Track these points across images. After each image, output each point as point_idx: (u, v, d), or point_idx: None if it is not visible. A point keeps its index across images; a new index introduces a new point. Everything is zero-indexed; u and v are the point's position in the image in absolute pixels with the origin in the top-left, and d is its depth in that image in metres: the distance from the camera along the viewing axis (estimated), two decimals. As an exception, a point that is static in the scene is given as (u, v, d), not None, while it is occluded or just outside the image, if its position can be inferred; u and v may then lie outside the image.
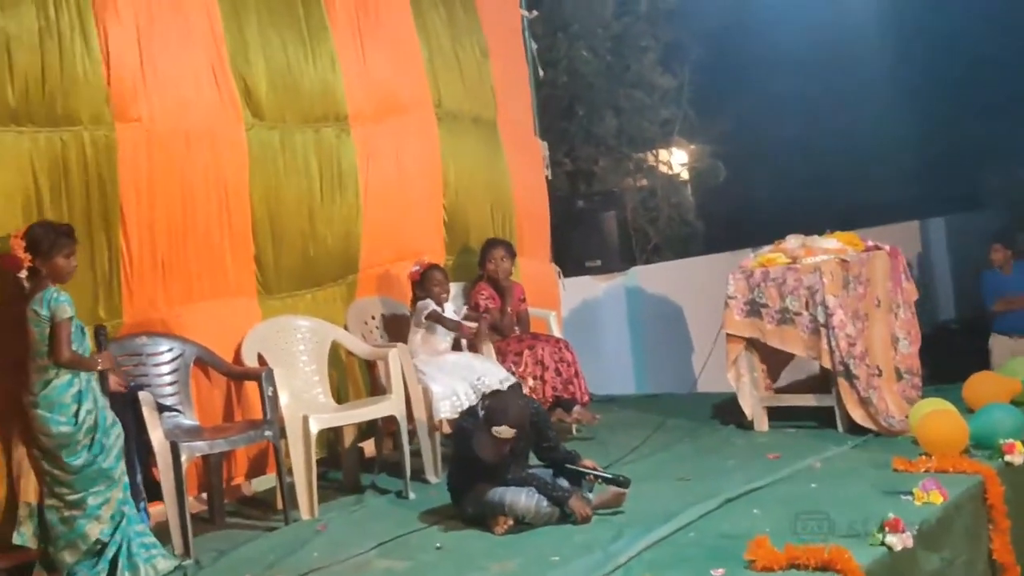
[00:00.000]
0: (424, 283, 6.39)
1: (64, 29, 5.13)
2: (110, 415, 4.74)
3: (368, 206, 6.58)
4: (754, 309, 6.43)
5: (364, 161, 6.58)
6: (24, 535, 4.74)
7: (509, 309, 6.85)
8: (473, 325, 6.39)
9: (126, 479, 4.76)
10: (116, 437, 4.73)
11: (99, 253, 5.25)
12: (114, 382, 4.94)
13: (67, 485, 4.62)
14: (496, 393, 5.38)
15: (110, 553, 4.64)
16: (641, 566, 4.29)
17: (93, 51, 5.24)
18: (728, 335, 6.54)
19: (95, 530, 4.62)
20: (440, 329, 6.36)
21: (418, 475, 5.92)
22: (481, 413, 5.03)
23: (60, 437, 4.56)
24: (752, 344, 6.49)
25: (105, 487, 4.65)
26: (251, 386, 5.73)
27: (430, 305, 6.31)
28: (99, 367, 4.73)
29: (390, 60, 6.90)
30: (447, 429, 6.38)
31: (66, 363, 4.57)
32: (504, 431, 4.90)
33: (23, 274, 4.66)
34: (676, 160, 9.64)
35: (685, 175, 9.64)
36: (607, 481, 5.15)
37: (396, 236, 6.76)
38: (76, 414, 4.59)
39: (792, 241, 6.69)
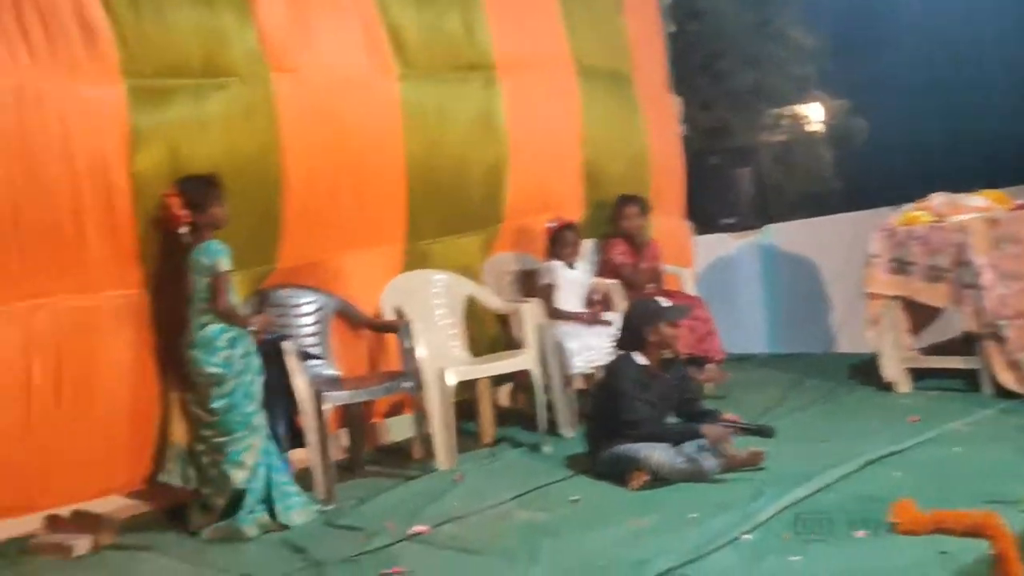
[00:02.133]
0: (555, 242, 6.41)
1: None
2: (257, 363, 4.90)
3: (515, 156, 6.60)
4: (900, 267, 6.27)
5: (510, 111, 6.59)
6: (171, 473, 4.97)
7: (643, 266, 6.81)
8: (582, 315, 6.33)
9: (266, 428, 4.91)
10: (259, 386, 4.90)
11: (258, 201, 5.36)
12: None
13: (211, 427, 4.81)
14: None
15: (250, 503, 4.79)
16: (780, 526, 4.26)
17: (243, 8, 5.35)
18: (870, 294, 6.39)
19: (238, 476, 4.78)
20: (569, 288, 6.37)
21: (553, 429, 5.96)
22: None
23: (211, 377, 4.74)
24: (895, 303, 6.33)
25: (246, 432, 4.81)
26: (390, 338, 5.84)
27: (552, 272, 6.31)
28: (250, 327, 4.90)
29: (530, 15, 6.89)
30: (581, 384, 6.41)
31: (223, 313, 4.75)
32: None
33: (184, 229, 4.82)
34: (814, 116, 9.41)
35: (823, 131, 9.41)
36: (750, 432, 5.10)
37: (540, 188, 6.77)
38: (228, 357, 4.76)
39: (937, 199, 6.49)
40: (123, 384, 4.92)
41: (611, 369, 5.31)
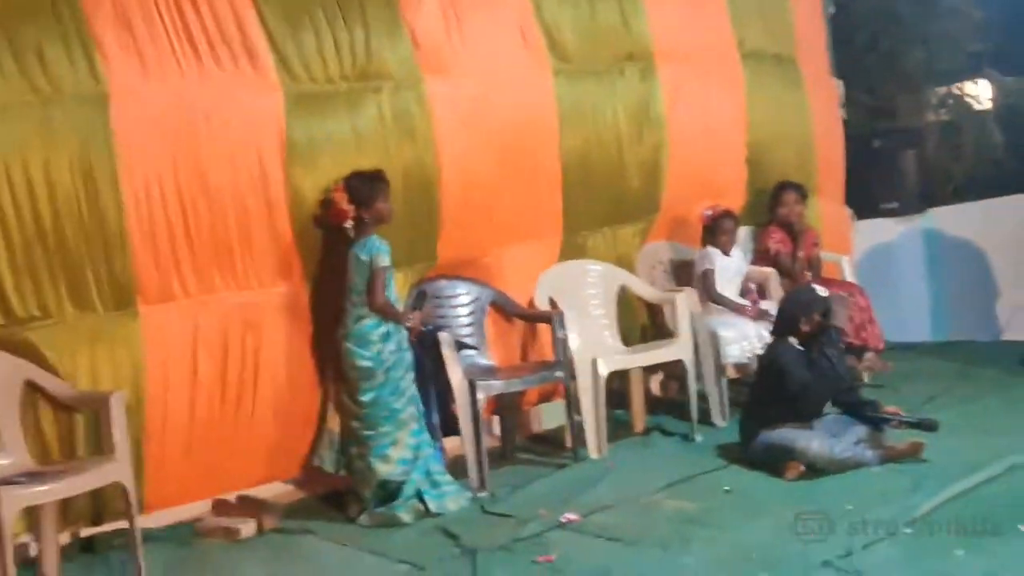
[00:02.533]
0: (713, 230, 6.33)
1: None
2: (409, 359, 5.00)
3: (674, 145, 6.55)
4: (1074, 251, 5.99)
5: (671, 99, 6.55)
6: (323, 459, 5.13)
7: (801, 254, 6.66)
8: (747, 308, 6.24)
9: (416, 424, 4.98)
10: (409, 382, 4.98)
11: (418, 200, 5.44)
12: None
13: (359, 419, 4.92)
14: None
15: (406, 493, 4.89)
16: (942, 518, 4.13)
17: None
18: (1041, 280, 6.13)
19: (383, 470, 4.88)
20: (724, 276, 6.29)
21: (704, 419, 5.91)
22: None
23: (363, 371, 4.87)
24: (1068, 290, 6.06)
25: (392, 427, 4.90)
26: (543, 328, 5.88)
27: (709, 258, 6.24)
28: (407, 323, 5.00)
29: (693, 1, 6.83)
30: (734, 373, 6.33)
31: (379, 309, 4.86)
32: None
33: (348, 224, 4.94)
34: (983, 94, 9.03)
35: (993, 110, 9.01)
36: (911, 426, 4.97)
37: (701, 176, 6.68)
38: (380, 352, 4.88)
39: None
40: (283, 375, 5.09)
41: (770, 352, 5.26)
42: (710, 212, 6.37)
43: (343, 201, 4.91)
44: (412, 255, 5.43)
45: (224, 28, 4.86)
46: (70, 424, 4.53)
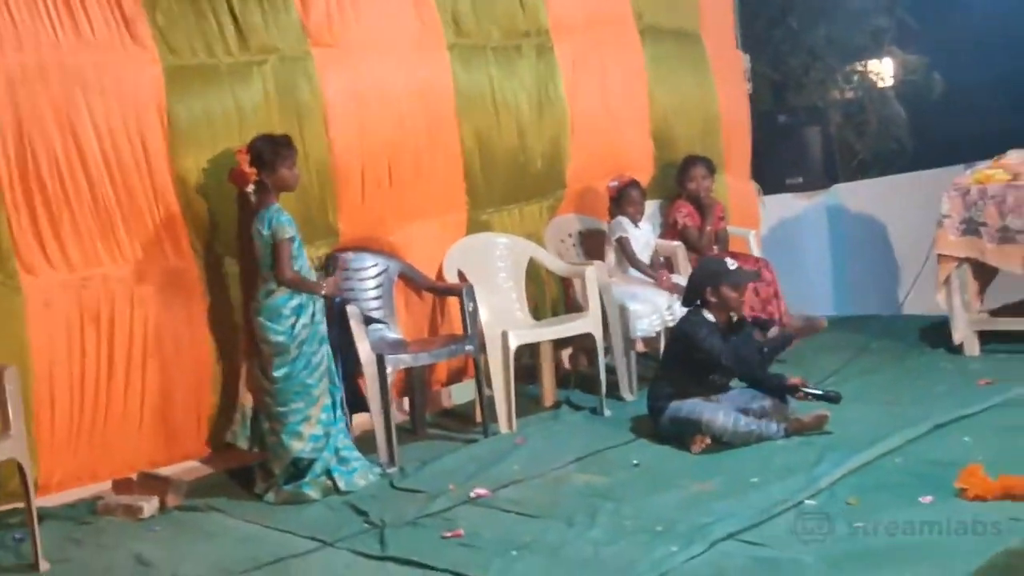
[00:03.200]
0: (620, 200, 6.34)
1: None
2: (322, 332, 4.91)
3: (576, 120, 6.55)
4: (971, 228, 6.13)
5: (569, 75, 6.53)
6: (236, 435, 5.05)
7: (708, 228, 6.72)
8: (663, 275, 6.27)
9: (328, 399, 4.91)
10: (321, 356, 4.89)
11: (309, 175, 5.34)
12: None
13: (271, 395, 4.83)
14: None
15: (315, 471, 4.82)
16: (845, 490, 4.21)
17: None
18: (940, 255, 6.26)
19: (295, 446, 4.80)
20: (638, 247, 6.31)
21: (613, 392, 5.94)
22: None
23: (276, 346, 4.77)
24: (966, 265, 6.19)
25: (305, 404, 4.82)
26: (452, 301, 5.84)
27: (621, 226, 6.26)
28: (322, 292, 4.91)
29: (588, -27, 6.82)
30: (642, 348, 6.37)
31: (288, 283, 4.75)
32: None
33: (250, 188, 4.82)
34: (887, 72, 9.18)
35: (897, 88, 9.17)
36: (816, 398, 5.04)
37: (605, 152, 6.71)
38: (293, 326, 4.78)
39: (1014, 156, 6.32)
40: (174, 351, 4.99)
41: (683, 323, 5.29)
42: (615, 182, 6.38)
43: (245, 163, 4.77)
44: (312, 232, 5.33)
45: None
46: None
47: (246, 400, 5.08)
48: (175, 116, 4.92)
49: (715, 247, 6.75)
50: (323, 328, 4.92)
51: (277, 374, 4.79)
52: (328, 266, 5.26)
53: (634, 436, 5.27)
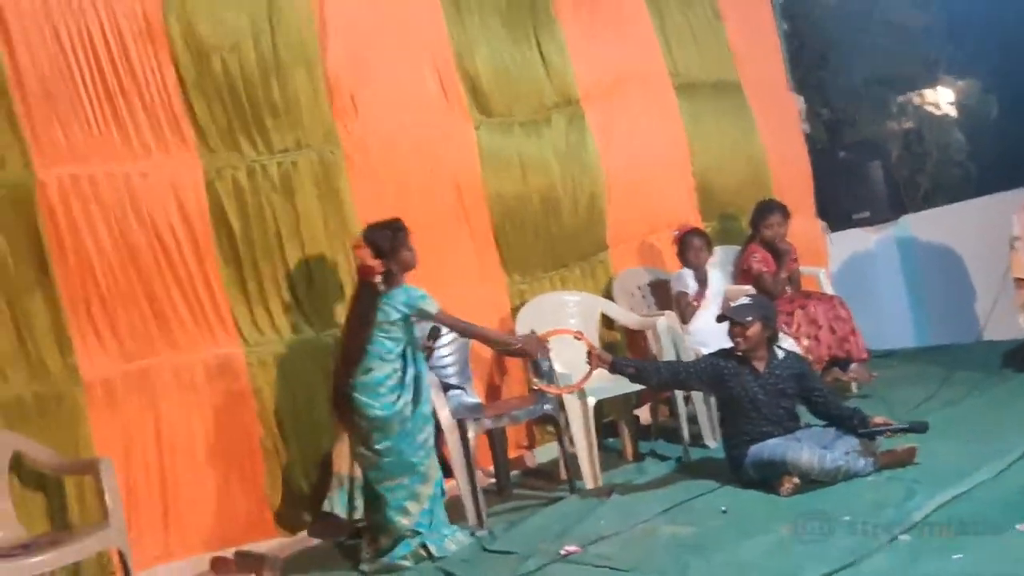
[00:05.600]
0: (681, 249, 6.38)
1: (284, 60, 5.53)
2: (427, 410, 4.92)
3: (612, 183, 6.63)
4: (1045, 248, 6.06)
5: (602, 140, 6.63)
6: (333, 501, 5.05)
7: (783, 275, 6.65)
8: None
9: (439, 476, 4.92)
10: (427, 434, 4.90)
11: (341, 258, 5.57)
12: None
13: (375, 468, 4.86)
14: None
15: (411, 543, 4.84)
16: (938, 523, 4.15)
17: (316, 79, 5.59)
18: (1017, 279, 6.18)
19: (403, 522, 4.82)
20: (707, 296, 6.32)
21: (696, 440, 5.92)
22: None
23: (374, 421, 4.80)
24: (1044, 286, 6.13)
25: (409, 479, 4.83)
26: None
27: (682, 280, 6.29)
28: (516, 346, 5.05)
29: (619, 36, 6.95)
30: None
31: (493, 342, 5.10)
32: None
33: (378, 278, 4.87)
34: (942, 99, 9.15)
35: (953, 114, 9.13)
36: (902, 431, 4.97)
37: (644, 209, 6.78)
38: (394, 402, 4.80)
39: (1080, 172, 6.26)
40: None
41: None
42: (677, 231, 6.42)
43: (368, 257, 4.84)
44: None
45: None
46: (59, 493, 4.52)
47: (342, 469, 5.11)
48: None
49: (788, 290, 6.72)
50: (427, 409, 4.93)
51: (380, 447, 4.81)
52: (431, 335, 5.29)
53: (720, 483, 5.23)
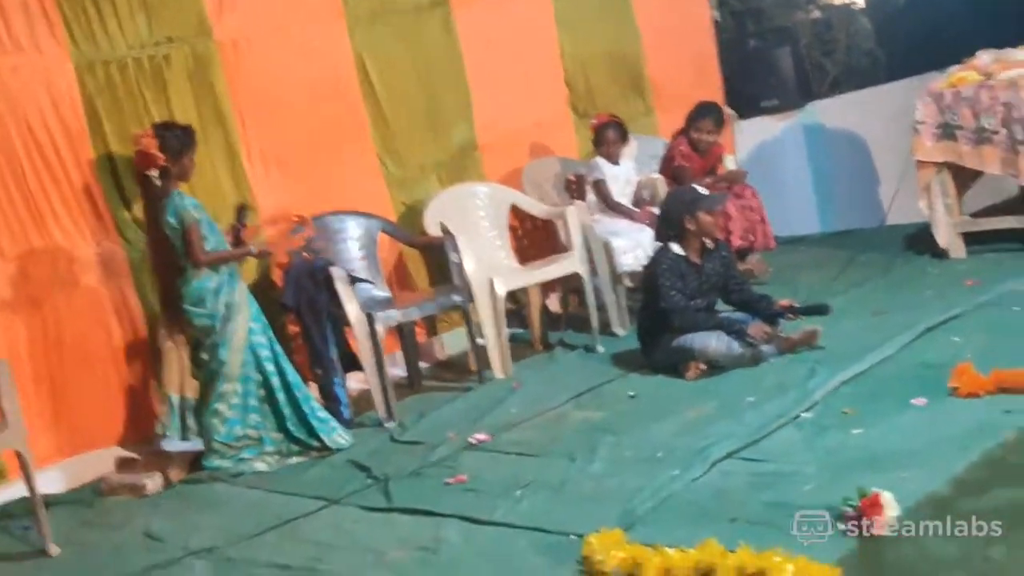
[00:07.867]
0: (597, 140, 6.34)
1: None
2: (244, 308, 4.81)
3: (474, 86, 6.50)
4: (947, 132, 6.12)
5: (468, 42, 6.49)
6: (165, 425, 4.92)
7: (710, 178, 6.58)
8: (638, 212, 6.26)
9: (244, 371, 4.80)
10: (242, 331, 4.79)
11: (217, 153, 5.39)
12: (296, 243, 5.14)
13: (197, 378, 4.85)
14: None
15: (258, 449, 4.82)
16: (839, 401, 4.24)
17: None
18: (918, 162, 6.26)
19: (217, 427, 4.78)
20: (618, 186, 6.30)
21: (605, 329, 5.95)
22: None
23: (201, 331, 4.76)
24: (945, 169, 6.19)
25: (221, 381, 4.77)
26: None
27: (598, 167, 6.25)
28: (251, 253, 4.90)
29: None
30: (630, 283, 6.36)
31: (206, 263, 4.73)
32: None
33: (154, 172, 4.77)
34: (850, -14, 9.14)
35: (861, 2, 9.13)
36: (806, 312, 5.06)
37: (514, 113, 6.67)
38: (216, 308, 4.74)
39: (984, 57, 6.29)
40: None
41: (651, 263, 5.28)
42: (594, 120, 6.36)
43: (152, 146, 4.72)
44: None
45: None
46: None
47: (172, 390, 4.93)
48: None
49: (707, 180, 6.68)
50: (244, 306, 4.82)
51: (205, 356, 4.77)
52: (239, 218, 5.08)
53: (629, 370, 5.28)
